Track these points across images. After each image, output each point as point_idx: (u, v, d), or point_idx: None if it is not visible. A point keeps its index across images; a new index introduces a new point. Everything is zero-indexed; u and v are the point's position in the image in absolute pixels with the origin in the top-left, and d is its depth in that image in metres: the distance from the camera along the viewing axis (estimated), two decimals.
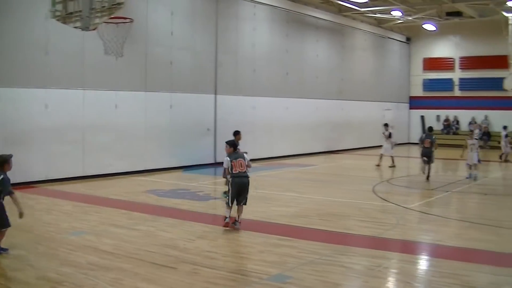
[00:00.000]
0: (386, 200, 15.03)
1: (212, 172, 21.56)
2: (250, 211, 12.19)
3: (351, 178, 20.23)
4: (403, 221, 12.32)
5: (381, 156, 23.21)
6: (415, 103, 40.58)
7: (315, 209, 13.49)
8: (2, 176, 8.91)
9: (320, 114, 30.03)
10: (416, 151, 32.43)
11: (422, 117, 39.72)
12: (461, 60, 38.65)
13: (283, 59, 27.52)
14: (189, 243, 9.86)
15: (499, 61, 34.69)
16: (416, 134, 39.23)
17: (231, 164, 10.98)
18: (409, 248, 10.02)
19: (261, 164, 23.94)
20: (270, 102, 26.38)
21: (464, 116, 38.22)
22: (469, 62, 38.18)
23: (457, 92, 38.93)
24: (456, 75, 38.91)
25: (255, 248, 9.62)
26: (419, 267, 8.93)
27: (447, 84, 39.00)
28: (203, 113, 23.08)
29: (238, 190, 10.96)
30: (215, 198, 15.62)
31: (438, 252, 9.66)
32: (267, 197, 15.40)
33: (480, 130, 35.16)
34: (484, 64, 36.94)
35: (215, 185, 18.67)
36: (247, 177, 11.12)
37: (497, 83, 34.18)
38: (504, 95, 34.23)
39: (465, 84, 38.40)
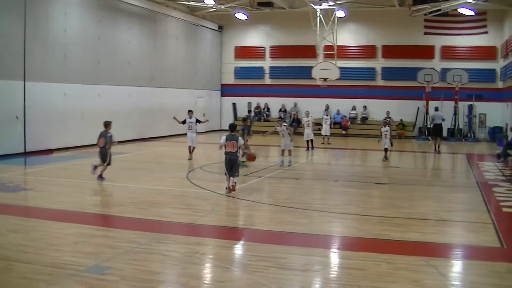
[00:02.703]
0: (201, 187, 15.36)
1: (22, 162, 20.55)
2: (62, 201, 11.87)
3: (165, 166, 20.35)
4: (218, 207, 12.69)
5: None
6: (227, 90, 41.50)
7: (131, 197, 13.46)
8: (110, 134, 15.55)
9: (132, 101, 29.73)
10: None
11: (234, 104, 40.83)
12: (271, 49, 40.21)
13: (96, 45, 26.81)
14: (0, 238, 9.41)
15: (308, 51, 36.38)
16: (227, 120, 40.38)
17: (225, 144, 13.82)
18: (225, 233, 10.38)
19: (73, 152, 23.33)
20: (82, 89, 25.57)
21: (275, 104, 39.88)
22: (279, 51, 39.86)
23: (267, 80, 40.46)
24: (266, 63, 40.41)
25: (69, 240, 9.40)
26: (235, 251, 9.31)
27: (258, 72, 40.40)
28: (10, 101, 21.82)
29: (229, 165, 13.91)
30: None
31: (253, 237, 10.13)
32: (80, 186, 15.09)
33: (290, 117, 37.08)
34: (294, 53, 38.74)
35: (25, 175, 17.86)
36: (236, 155, 13.95)
37: (306, 72, 35.78)
38: (312, 83, 35.81)
39: (275, 72, 40.08)
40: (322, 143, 29.61)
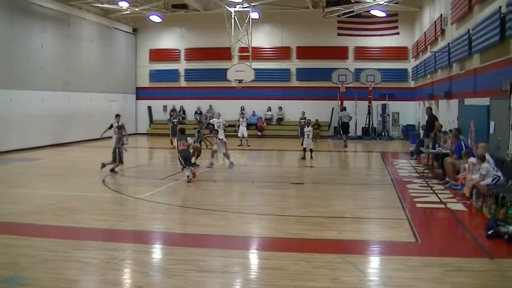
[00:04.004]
0: (117, 192, 15.26)
1: None
2: None
3: (81, 171, 19.96)
4: (135, 212, 12.65)
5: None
6: (142, 93, 41.13)
7: (47, 204, 13.17)
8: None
9: (46, 106, 28.98)
10: (143, 142, 33.11)
11: (149, 108, 40.57)
12: (186, 52, 40.15)
13: (8, 50, 26.04)
14: None
15: (223, 53, 36.50)
16: (143, 124, 40.24)
17: (178, 144, 17.24)
18: (143, 238, 10.34)
19: None
20: None
21: (190, 106, 39.84)
22: (194, 54, 39.87)
23: (183, 83, 40.39)
24: (181, 66, 40.32)
25: None
26: (154, 256, 9.31)
27: (173, 74, 40.27)
28: None
29: (184, 159, 17.02)
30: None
31: (171, 240, 10.16)
32: None
33: (206, 119, 37.11)
34: (209, 55, 38.91)
35: None
36: (188, 151, 17.29)
37: (221, 74, 35.90)
38: (227, 85, 36.13)
39: (190, 74, 40.04)
40: (240, 145, 29.82)
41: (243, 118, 31.50)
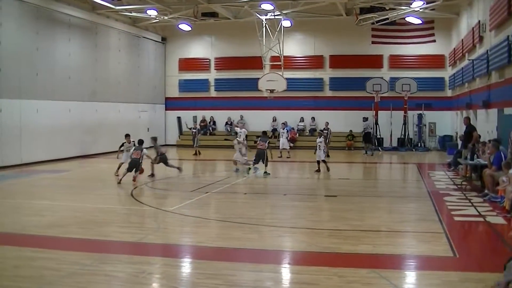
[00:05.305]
0: (145, 204, 15.27)
1: None
2: None
3: (108, 183, 20.10)
4: (163, 225, 12.64)
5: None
6: (171, 104, 41.44)
7: (73, 217, 13.26)
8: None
9: (73, 117, 29.36)
10: (172, 153, 33.22)
11: (179, 118, 40.74)
12: (216, 61, 40.36)
13: (33, 58, 26.42)
14: None
15: (254, 62, 36.68)
16: (172, 135, 40.37)
17: (133, 152, 19.73)
18: (171, 251, 10.32)
19: (9, 171, 22.87)
20: (19, 104, 25.16)
21: (221, 117, 39.97)
22: (225, 63, 40.07)
23: (213, 93, 40.61)
24: (211, 75, 40.55)
25: (8, 264, 9.16)
26: (183, 270, 9.28)
27: (203, 84, 40.52)
28: None
29: (132, 166, 19.35)
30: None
31: (201, 254, 10.11)
32: (17, 206, 14.81)
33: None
34: (239, 64, 39.13)
35: None
36: (138, 159, 19.37)
37: (252, 84, 35.71)
38: (258, 95, 36.21)
39: (220, 84, 40.27)
40: (280, 157, 29.80)
41: (283, 129, 31.36)
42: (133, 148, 20.12)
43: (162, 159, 21.56)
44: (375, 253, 9.96)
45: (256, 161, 21.88)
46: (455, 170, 22.68)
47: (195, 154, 31.60)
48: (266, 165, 21.86)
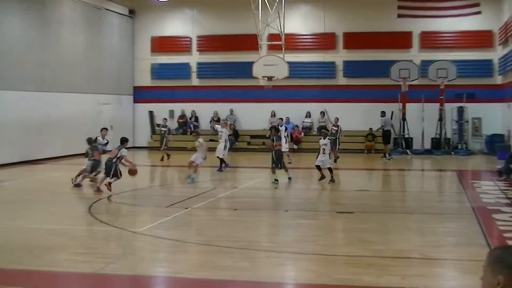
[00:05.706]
0: (108, 224, 15.21)
1: None
2: None
3: (61, 197, 20.00)
4: (131, 250, 12.65)
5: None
6: (141, 95, 41.23)
7: (16, 241, 13.16)
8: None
9: (13, 112, 29.03)
10: (142, 158, 33.20)
11: (151, 113, 40.49)
12: (199, 40, 40.21)
13: None
14: None
15: (247, 42, 36.42)
16: (143, 134, 40.07)
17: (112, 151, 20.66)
18: (140, 285, 10.29)
19: None
20: None
21: (205, 111, 39.64)
22: (210, 43, 39.98)
23: (194, 81, 40.43)
24: (193, 58, 40.37)
25: None
26: None
27: (182, 70, 40.34)
28: None
29: (108, 169, 19.92)
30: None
31: (180, 287, 10.09)
32: None
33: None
34: (229, 45, 39.03)
35: None
36: (112, 160, 19.85)
37: (245, 69, 35.20)
38: (253, 84, 35.62)
39: (205, 70, 40.21)
40: None
41: (281, 126, 31.06)
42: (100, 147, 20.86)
43: (93, 166, 21.22)
44: (404, 286, 9.94)
45: (276, 166, 22.35)
46: (507, 180, 22.65)
47: (162, 159, 31.39)
48: (286, 170, 22.42)
